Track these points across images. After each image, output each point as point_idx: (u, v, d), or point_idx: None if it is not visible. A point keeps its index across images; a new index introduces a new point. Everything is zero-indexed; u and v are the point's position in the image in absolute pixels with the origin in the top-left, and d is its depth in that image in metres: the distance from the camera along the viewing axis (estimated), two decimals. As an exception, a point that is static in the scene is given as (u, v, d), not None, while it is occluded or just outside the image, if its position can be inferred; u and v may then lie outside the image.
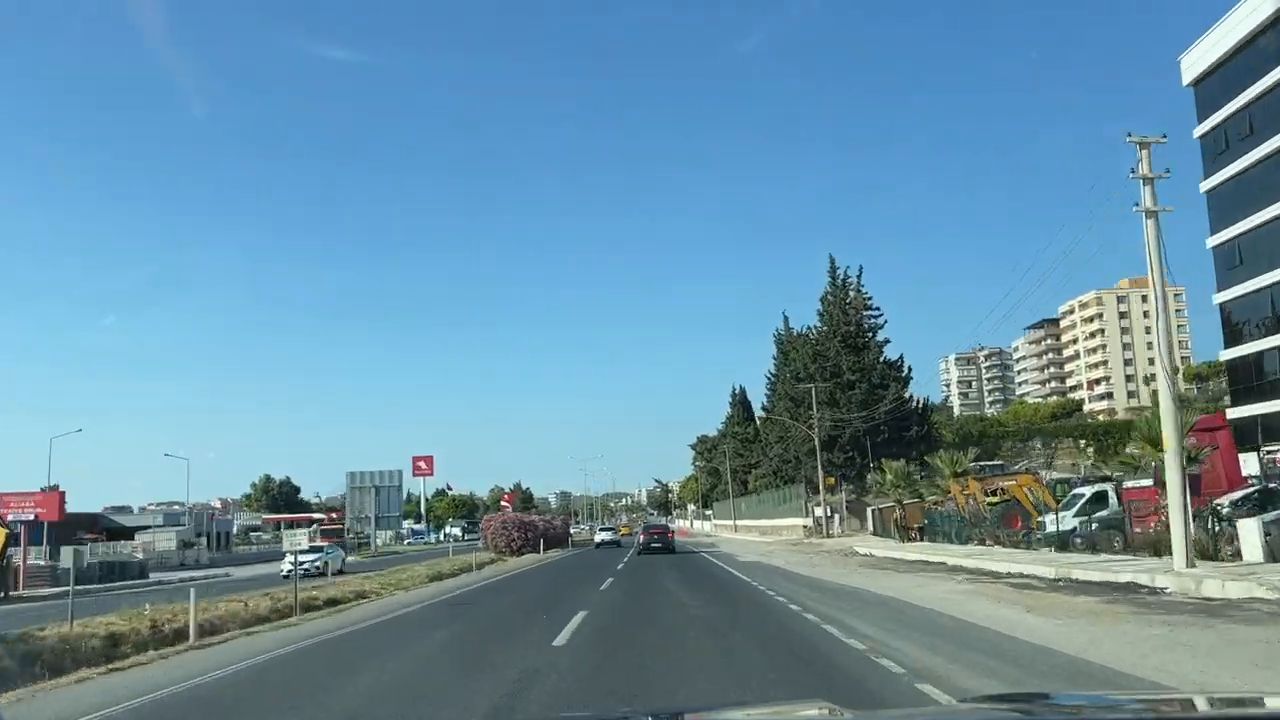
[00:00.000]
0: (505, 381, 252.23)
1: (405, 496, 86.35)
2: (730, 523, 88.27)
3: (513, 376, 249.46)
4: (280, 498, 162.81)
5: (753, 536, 65.28)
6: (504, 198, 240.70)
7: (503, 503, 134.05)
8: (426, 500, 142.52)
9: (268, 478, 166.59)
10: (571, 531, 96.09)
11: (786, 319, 73.72)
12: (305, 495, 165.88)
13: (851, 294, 56.05)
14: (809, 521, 50.99)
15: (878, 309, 56.82)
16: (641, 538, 48.14)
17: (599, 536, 61.42)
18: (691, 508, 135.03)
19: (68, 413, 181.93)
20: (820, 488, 51.06)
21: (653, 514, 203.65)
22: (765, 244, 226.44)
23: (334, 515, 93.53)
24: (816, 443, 52.18)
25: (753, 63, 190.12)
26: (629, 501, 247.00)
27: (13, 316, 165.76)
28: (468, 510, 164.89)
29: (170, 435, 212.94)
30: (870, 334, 57.29)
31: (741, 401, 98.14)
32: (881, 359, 56.85)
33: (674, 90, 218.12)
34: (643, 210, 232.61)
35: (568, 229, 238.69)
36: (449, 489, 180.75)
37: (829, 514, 49.53)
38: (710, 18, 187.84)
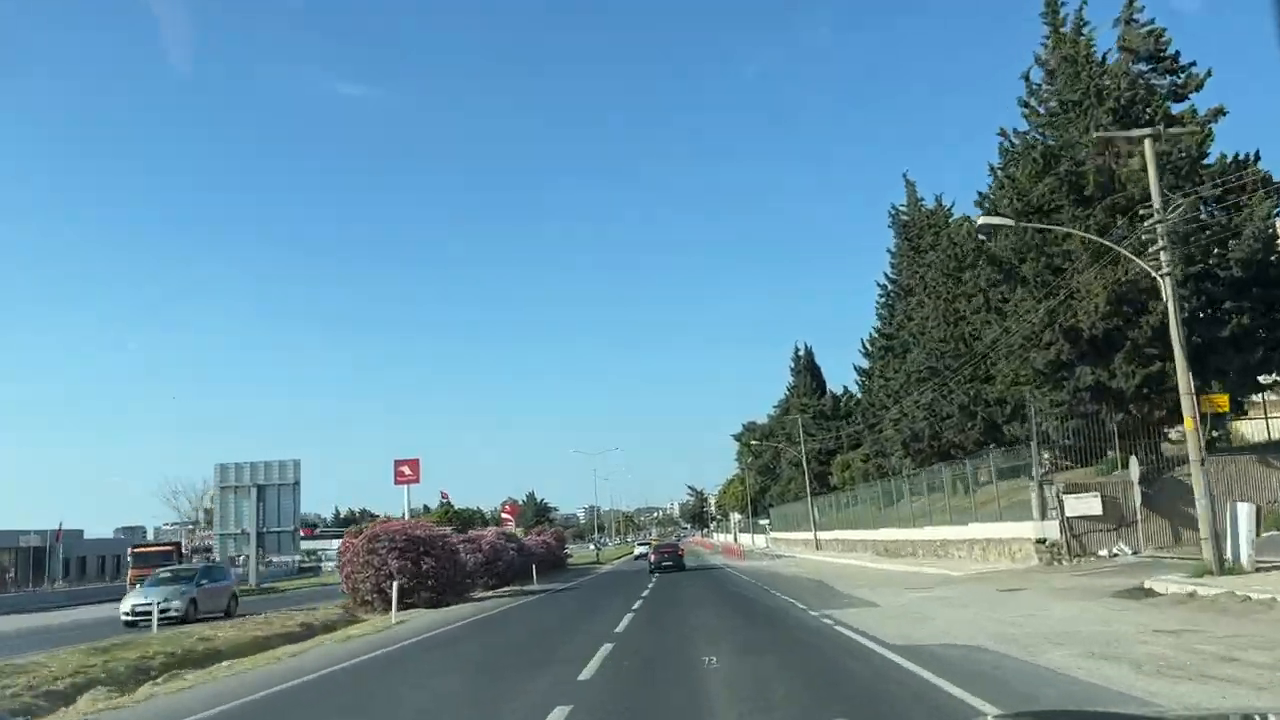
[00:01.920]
0: (521, 397, 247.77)
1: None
2: (802, 535, 62.15)
3: (528, 392, 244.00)
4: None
5: (864, 560, 39.28)
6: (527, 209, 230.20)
7: (504, 516, 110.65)
8: (411, 514, 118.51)
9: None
10: (568, 551, 71.35)
11: (911, 185, 48.08)
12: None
13: (1122, 28, 25.57)
14: (1042, 530, 22.94)
15: (1177, 58, 25.49)
16: (653, 557, 47.34)
17: (637, 550, 60.14)
18: (736, 517, 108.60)
19: None
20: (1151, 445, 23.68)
21: (686, 528, 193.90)
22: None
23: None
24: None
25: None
26: (660, 515, 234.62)
27: None
28: (463, 525, 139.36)
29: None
30: (1165, 101, 25.57)
31: (808, 366, 72.44)
32: (1205, 151, 24.96)
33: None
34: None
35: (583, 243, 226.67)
36: (445, 500, 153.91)
37: (1133, 503, 22.21)
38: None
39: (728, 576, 35.26)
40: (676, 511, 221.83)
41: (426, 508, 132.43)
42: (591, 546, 75.82)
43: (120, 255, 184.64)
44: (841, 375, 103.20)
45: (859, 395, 49.45)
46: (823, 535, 52.58)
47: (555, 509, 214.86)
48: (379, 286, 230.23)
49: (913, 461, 42.38)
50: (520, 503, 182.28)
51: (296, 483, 50.15)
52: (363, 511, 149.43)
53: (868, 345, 53.20)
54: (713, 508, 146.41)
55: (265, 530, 47.92)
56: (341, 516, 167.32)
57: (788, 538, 69.55)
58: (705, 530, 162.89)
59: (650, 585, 31.51)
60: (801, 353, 73.90)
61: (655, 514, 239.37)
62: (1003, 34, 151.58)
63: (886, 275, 50.66)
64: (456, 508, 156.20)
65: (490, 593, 34.98)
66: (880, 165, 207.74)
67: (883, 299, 50.73)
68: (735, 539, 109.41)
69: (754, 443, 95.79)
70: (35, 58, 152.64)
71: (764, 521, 78.60)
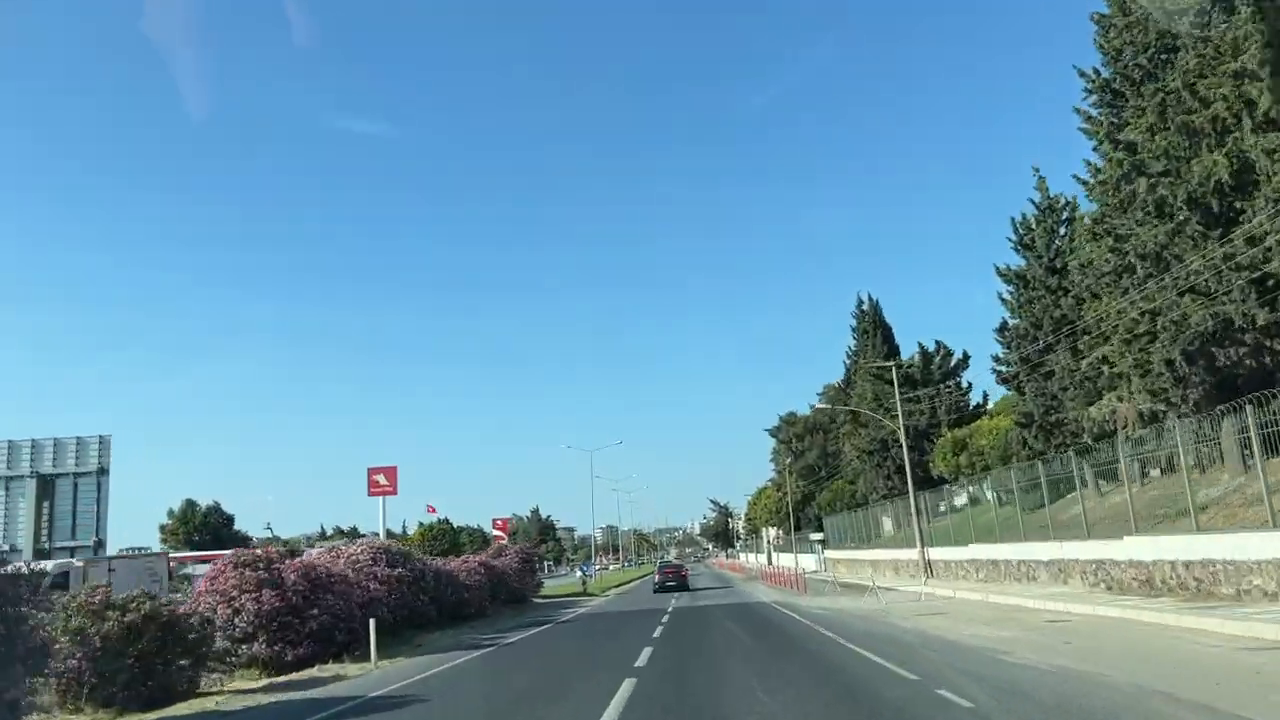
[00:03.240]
0: (536, 414, 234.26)
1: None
2: (883, 555, 42.52)
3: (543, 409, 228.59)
4: (207, 529, 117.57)
5: (1105, 605, 19.21)
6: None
7: (495, 533, 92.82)
8: (388, 530, 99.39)
9: (190, 504, 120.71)
10: (541, 576, 52.87)
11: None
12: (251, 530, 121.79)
13: None
14: None
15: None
16: (657, 577, 48.30)
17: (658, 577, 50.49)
18: (772, 533, 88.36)
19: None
20: None
21: (707, 549, 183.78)
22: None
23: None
24: None
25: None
26: (680, 535, 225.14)
27: None
28: (450, 544, 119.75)
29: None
30: None
31: (875, 323, 52.82)
32: None
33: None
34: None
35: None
36: (435, 516, 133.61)
37: None
38: None
39: (832, 662, 15.31)
40: (697, 530, 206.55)
41: (420, 524, 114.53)
42: (579, 573, 56.40)
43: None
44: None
45: (1006, 315, 29.87)
46: (948, 555, 32.41)
47: (571, 527, 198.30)
48: (395, 305, 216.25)
49: (1149, 409, 22.45)
50: (525, 518, 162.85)
51: (103, 471, 31.42)
52: (352, 529, 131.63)
53: (1038, 213, 31.68)
54: (740, 524, 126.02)
55: (53, 544, 30.26)
56: (327, 535, 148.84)
57: (853, 557, 49.57)
58: (730, 550, 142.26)
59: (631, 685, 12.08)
60: (866, 306, 54.30)
61: (675, 534, 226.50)
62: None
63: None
64: (438, 523, 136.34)
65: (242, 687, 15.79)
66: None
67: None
68: (770, 560, 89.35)
69: (794, 440, 76.08)
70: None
71: (816, 537, 58.55)
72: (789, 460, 75.29)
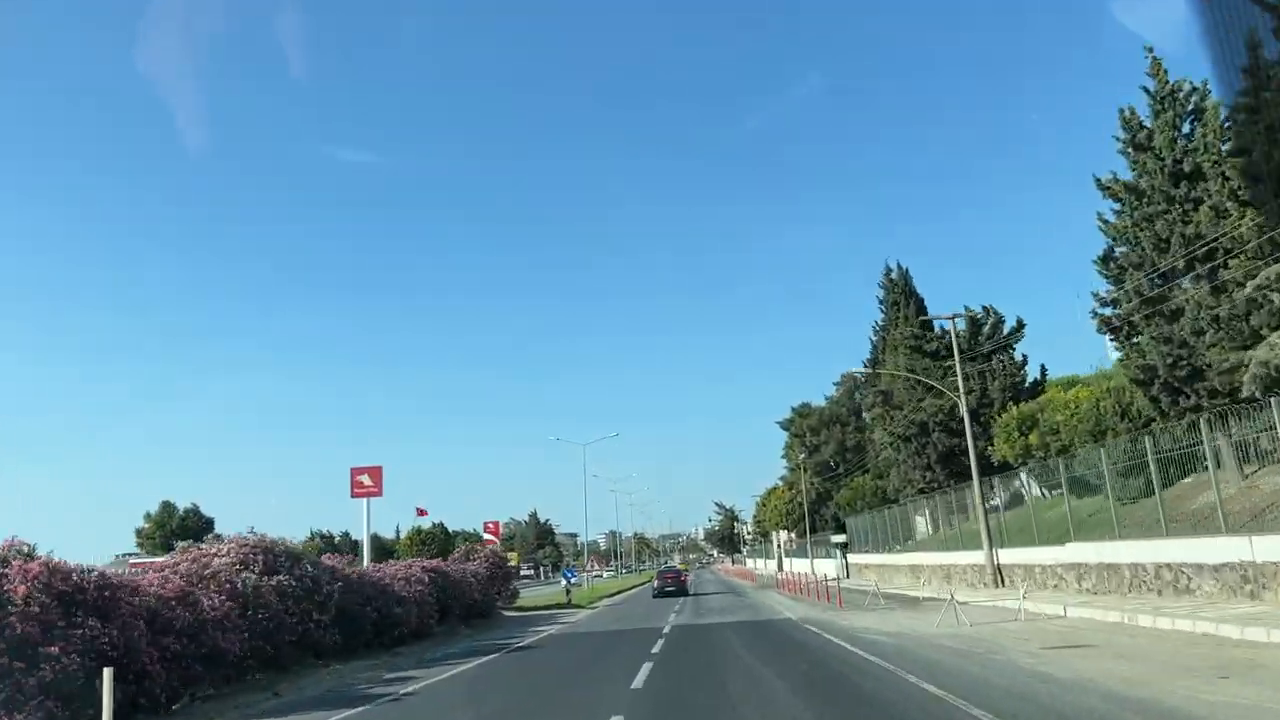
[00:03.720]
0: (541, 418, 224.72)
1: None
2: (937, 559, 35.16)
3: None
4: (185, 533, 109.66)
5: None
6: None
7: (486, 536, 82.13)
8: (371, 535, 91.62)
9: (167, 507, 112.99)
10: (528, 583, 45.75)
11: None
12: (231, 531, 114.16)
13: None
14: None
15: None
16: (656, 582, 49.09)
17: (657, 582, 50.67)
18: (783, 536, 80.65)
19: None
20: None
21: (712, 554, 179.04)
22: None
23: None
24: None
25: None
26: (684, 540, 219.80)
27: None
28: (441, 549, 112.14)
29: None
30: None
31: (905, 293, 45.35)
32: None
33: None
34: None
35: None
36: (427, 519, 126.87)
37: None
38: None
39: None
40: (701, 536, 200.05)
41: (418, 529, 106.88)
42: (564, 582, 48.97)
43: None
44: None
45: (1110, 242, 22.10)
46: (1056, 557, 24.61)
47: (573, 533, 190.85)
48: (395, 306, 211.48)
49: None
50: (523, 522, 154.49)
51: None
52: (344, 535, 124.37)
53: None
54: (748, 528, 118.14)
55: None
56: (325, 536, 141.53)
57: (884, 562, 42.03)
58: (735, 556, 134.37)
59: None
60: (895, 275, 46.83)
61: (679, 540, 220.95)
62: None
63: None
64: (431, 527, 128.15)
65: None
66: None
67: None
68: (781, 565, 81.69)
69: (809, 433, 68.51)
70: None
71: (838, 539, 50.95)
72: (803, 456, 67.70)
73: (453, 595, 28.93)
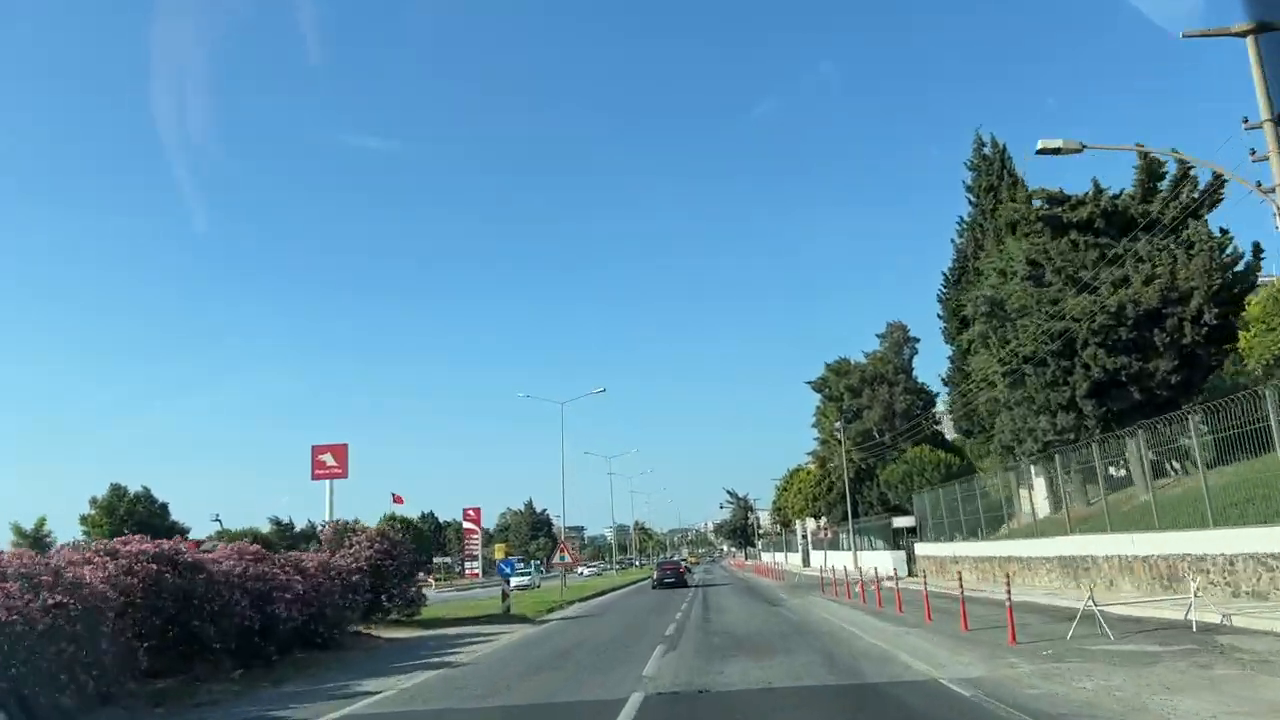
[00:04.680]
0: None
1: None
2: (1132, 548, 21.20)
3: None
4: (134, 520, 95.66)
5: None
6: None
7: (466, 525, 77.58)
8: (334, 520, 78.37)
9: (116, 490, 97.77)
10: (424, 583, 32.62)
11: None
12: (190, 522, 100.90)
13: None
14: None
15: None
16: (656, 574, 50.14)
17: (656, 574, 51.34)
18: (811, 525, 66.60)
19: None
20: None
21: (722, 549, 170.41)
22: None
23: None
24: None
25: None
26: (693, 534, 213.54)
27: None
28: (416, 539, 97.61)
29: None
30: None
31: (1003, 175, 31.66)
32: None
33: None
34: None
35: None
36: (399, 503, 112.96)
37: None
38: None
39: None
40: (711, 530, 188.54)
41: (395, 516, 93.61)
42: (525, 579, 35.50)
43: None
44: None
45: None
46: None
47: (580, 526, 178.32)
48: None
49: None
50: (519, 511, 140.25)
51: None
52: (311, 524, 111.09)
53: None
54: (766, 517, 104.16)
55: None
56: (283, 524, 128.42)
57: (981, 553, 28.43)
58: (749, 549, 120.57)
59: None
60: (989, 151, 33.25)
61: (687, 533, 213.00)
62: None
63: None
64: (416, 519, 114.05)
65: None
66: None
67: None
68: (805, 559, 68.15)
69: (845, 394, 54.85)
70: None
71: (903, 522, 37.41)
72: (838, 423, 53.99)
73: (204, 612, 14.87)
